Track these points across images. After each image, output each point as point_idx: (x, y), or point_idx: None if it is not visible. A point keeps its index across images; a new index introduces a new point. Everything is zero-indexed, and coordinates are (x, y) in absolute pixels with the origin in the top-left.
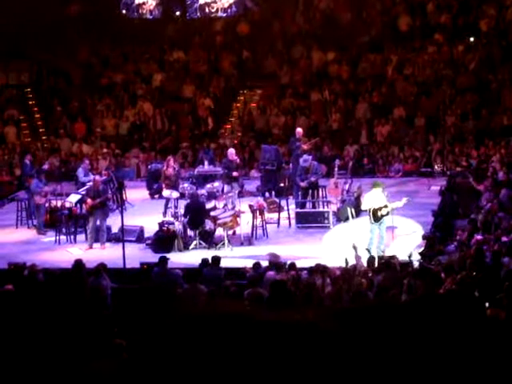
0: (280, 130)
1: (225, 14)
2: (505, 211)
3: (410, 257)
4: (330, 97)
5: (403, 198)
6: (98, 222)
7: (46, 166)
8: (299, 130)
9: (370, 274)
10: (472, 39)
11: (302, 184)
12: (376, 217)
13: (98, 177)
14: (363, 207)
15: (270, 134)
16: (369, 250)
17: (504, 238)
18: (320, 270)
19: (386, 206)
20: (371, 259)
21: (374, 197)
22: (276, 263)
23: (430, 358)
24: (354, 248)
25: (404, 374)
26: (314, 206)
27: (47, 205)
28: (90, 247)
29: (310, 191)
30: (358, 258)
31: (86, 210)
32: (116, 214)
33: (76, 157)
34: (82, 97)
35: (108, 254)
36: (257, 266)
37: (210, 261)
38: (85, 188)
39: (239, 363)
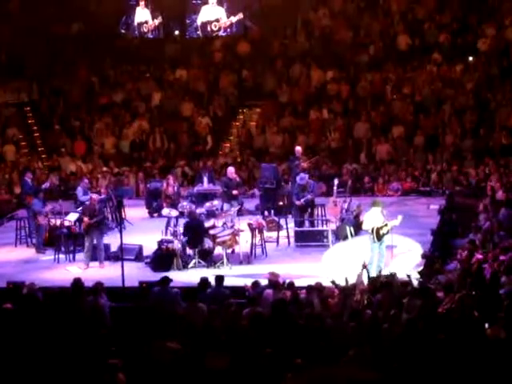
0: (279, 149)
1: (225, 33)
2: (504, 230)
3: (409, 276)
4: (329, 115)
5: (399, 216)
6: (95, 241)
7: (46, 185)
8: (298, 148)
9: (368, 293)
10: (471, 58)
11: (298, 202)
12: (379, 236)
13: (94, 195)
14: (364, 227)
15: (269, 153)
16: (368, 269)
17: (502, 257)
18: (317, 288)
19: (386, 225)
20: (373, 278)
21: (374, 216)
22: (275, 282)
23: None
24: (364, 267)
25: None
26: (312, 225)
27: (46, 224)
28: (87, 266)
29: (309, 210)
30: (360, 276)
31: (83, 228)
32: (115, 232)
33: (75, 175)
34: (81, 115)
35: (107, 272)
36: (255, 284)
37: (214, 280)
38: (82, 207)
39: None
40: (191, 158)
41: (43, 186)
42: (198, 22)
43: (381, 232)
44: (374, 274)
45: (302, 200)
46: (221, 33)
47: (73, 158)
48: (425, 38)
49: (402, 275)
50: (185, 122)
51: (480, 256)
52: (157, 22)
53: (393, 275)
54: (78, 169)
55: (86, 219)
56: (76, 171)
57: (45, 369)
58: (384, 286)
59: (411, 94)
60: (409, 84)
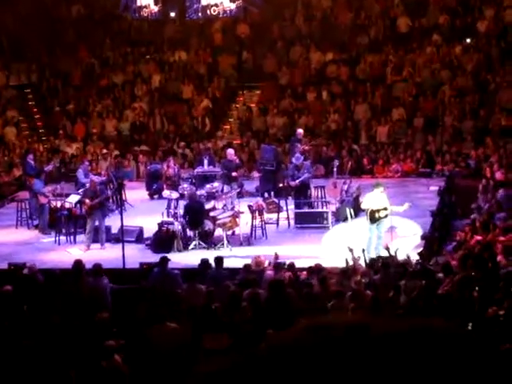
0: (279, 131)
1: (225, 15)
2: (503, 211)
3: (408, 257)
4: (329, 97)
5: (406, 203)
6: (97, 223)
7: (49, 167)
8: (300, 130)
9: (368, 274)
10: (469, 40)
11: (293, 183)
12: (373, 218)
13: (94, 177)
14: (362, 206)
15: (269, 135)
16: (365, 250)
17: (502, 238)
18: (317, 270)
19: (385, 209)
20: (371, 260)
21: (374, 197)
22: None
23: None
24: (350, 250)
25: None
26: (310, 206)
27: (47, 204)
28: (88, 248)
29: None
30: (354, 259)
31: (84, 210)
32: (116, 214)
33: (76, 158)
34: (81, 98)
35: (107, 254)
36: (248, 267)
37: (214, 262)
38: (83, 190)
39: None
40: (191, 140)
41: (46, 169)
42: (200, 4)
43: (376, 215)
44: (372, 255)
45: (298, 181)
46: (220, 15)
47: (73, 140)
48: (425, 19)
49: (401, 256)
50: (185, 104)
51: (479, 237)
52: (157, 6)
53: (391, 257)
54: (78, 151)
55: (87, 201)
56: (76, 153)
57: (44, 350)
58: (381, 267)
59: (410, 75)
60: (408, 66)
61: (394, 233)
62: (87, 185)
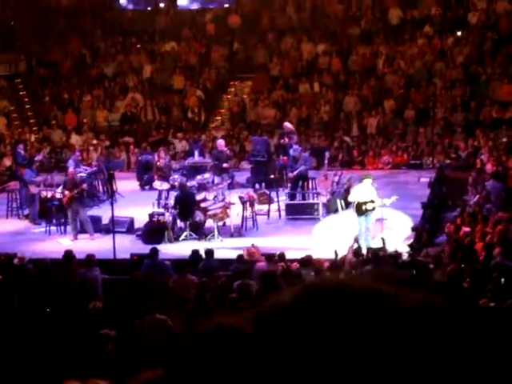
0: (270, 122)
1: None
2: (491, 202)
3: (396, 250)
4: (320, 89)
5: (393, 196)
6: (78, 214)
7: (38, 157)
8: (286, 124)
9: (358, 265)
10: (459, 33)
11: (291, 175)
12: (360, 211)
13: (71, 169)
14: (350, 198)
15: (260, 126)
16: (357, 242)
17: (490, 230)
18: (307, 261)
19: (372, 201)
20: (358, 250)
21: (362, 190)
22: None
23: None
24: (356, 240)
25: None
26: (303, 198)
27: (37, 194)
28: (75, 238)
29: (300, 183)
30: (351, 249)
31: (64, 202)
32: (106, 204)
33: (67, 148)
34: (72, 88)
35: (98, 245)
36: (241, 257)
37: (204, 253)
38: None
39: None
40: (183, 131)
41: (36, 158)
42: None
43: (363, 207)
44: (362, 246)
45: (295, 172)
46: (212, 5)
47: (64, 130)
48: (416, 11)
49: (391, 248)
50: (176, 94)
51: (467, 229)
52: None
53: (381, 248)
54: (68, 141)
55: (66, 192)
56: (67, 144)
57: (35, 341)
58: (371, 258)
59: (401, 67)
60: (400, 57)
61: (384, 224)
62: (79, 175)
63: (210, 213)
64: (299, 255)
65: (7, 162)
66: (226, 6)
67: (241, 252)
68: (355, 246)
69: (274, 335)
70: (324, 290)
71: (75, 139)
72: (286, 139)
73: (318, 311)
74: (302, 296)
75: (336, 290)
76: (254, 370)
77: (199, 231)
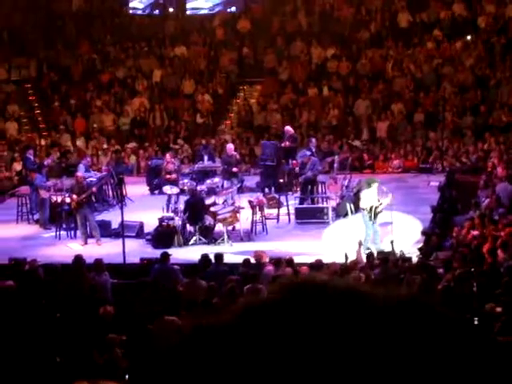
0: (279, 126)
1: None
2: (502, 206)
3: (402, 254)
4: (329, 93)
5: (389, 194)
6: (87, 218)
7: (48, 161)
8: (287, 128)
9: (367, 268)
10: (469, 37)
11: (300, 179)
12: (376, 214)
13: (79, 173)
14: (363, 205)
15: (269, 130)
16: (362, 244)
17: (501, 233)
18: (316, 265)
19: (381, 204)
20: (370, 254)
21: (372, 194)
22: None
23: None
24: (360, 244)
25: None
26: (313, 202)
27: (48, 199)
28: (85, 243)
29: (309, 187)
30: (359, 253)
31: (72, 207)
32: (116, 209)
33: (77, 153)
34: (82, 92)
35: (108, 249)
36: (247, 262)
37: (214, 258)
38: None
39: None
40: (192, 135)
41: (45, 163)
42: None
43: (378, 210)
44: (372, 249)
45: (300, 178)
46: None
47: (72, 135)
48: (425, 14)
49: (399, 252)
50: (186, 99)
51: (476, 232)
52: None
53: (391, 252)
54: (78, 146)
55: (74, 197)
56: (77, 148)
57: (45, 344)
58: (381, 261)
59: (411, 70)
60: (409, 61)
61: (394, 228)
62: (89, 179)
63: (219, 217)
64: (309, 259)
65: (17, 166)
66: (235, 10)
67: (249, 256)
68: (362, 249)
69: (252, 332)
70: (300, 288)
71: (81, 143)
72: (287, 143)
73: (293, 308)
74: (278, 293)
75: (313, 288)
76: (235, 364)
77: (209, 235)
